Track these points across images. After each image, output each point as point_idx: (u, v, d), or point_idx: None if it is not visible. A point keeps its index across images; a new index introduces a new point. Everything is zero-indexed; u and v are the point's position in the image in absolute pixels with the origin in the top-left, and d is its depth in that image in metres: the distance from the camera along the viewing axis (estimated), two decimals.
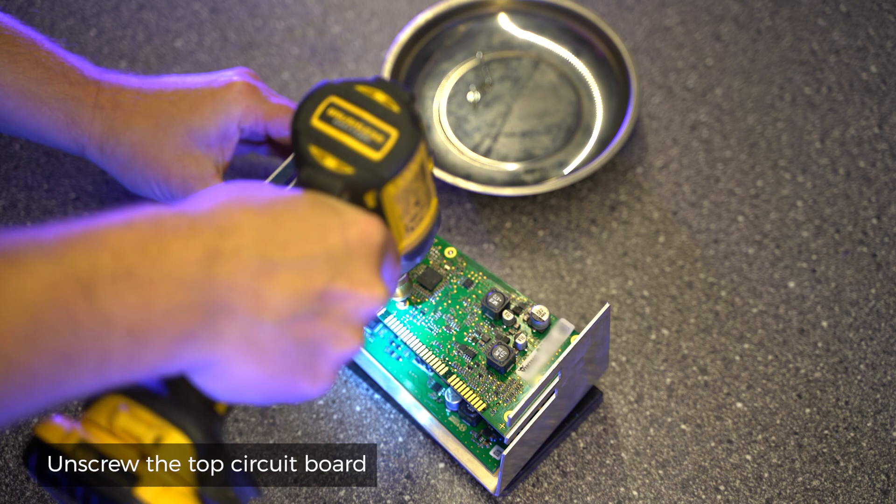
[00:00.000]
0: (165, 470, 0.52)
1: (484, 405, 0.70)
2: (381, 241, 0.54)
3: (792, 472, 0.75)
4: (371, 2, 0.96)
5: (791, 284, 0.82)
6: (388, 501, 0.74)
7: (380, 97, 0.56)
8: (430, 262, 0.75)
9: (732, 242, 0.84)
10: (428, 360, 0.72)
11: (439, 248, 0.76)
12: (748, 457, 0.76)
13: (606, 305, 0.68)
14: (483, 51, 0.92)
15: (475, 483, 0.75)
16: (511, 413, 0.68)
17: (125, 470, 0.52)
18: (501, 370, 0.71)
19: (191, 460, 0.53)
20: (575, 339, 0.68)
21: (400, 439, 0.76)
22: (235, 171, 0.85)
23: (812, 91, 0.91)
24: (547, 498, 0.74)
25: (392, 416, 0.77)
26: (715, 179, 0.87)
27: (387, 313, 0.74)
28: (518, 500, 0.74)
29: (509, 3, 0.93)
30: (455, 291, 0.75)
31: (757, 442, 0.76)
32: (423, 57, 0.92)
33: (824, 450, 0.76)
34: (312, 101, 0.57)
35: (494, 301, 0.73)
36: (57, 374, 0.46)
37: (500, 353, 0.71)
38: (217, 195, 0.52)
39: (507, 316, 0.73)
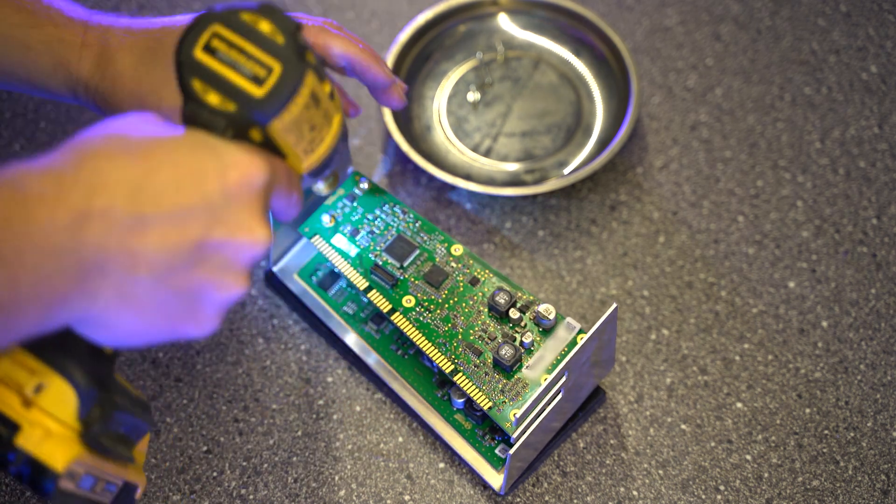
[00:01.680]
0: (47, 417, 0.52)
1: (490, 403, 0.70)
2: (264, 182, 0.53)
3: (792, 472, 0.75)
4: (371, 2, 0.96)
5: (791, 284, 0.82)
6: (388, 501, 0.74)
7: (264, 27, 0.54)
8: (437, 260, 0.75)
9: (732, 242, 0.84)
10: (434, 358, 0.72)
11: (445, 245, 0.76)
12: (748, 457, 0.76)
13: (613, 306, 0.68)
14: (499, 48, 0.92)
15: (475, 483, 0.75)
16: (518, 412, 0.68)
17: (6, 418, 0.51)
18: (508, 368, 0.71)
19: (74, 406, 0.52)
20: (582, 339, 0.68)
21: (400, 439, 0.76)
22: None
23: (812, 91, 0.91)
24: (547, 498, 0.74)
25: (392, 416, 0.77)
26: (715, 179, 0.87)
27: (393, 310, 0.74)
28: (518, 500, 0.74)
29: (509, 3, 0.93)
30: (461, 289, 0.75)
31: (757, 442, 0.76)
32: (423, 57, 0.92)
33: (824, 450, 0.76)
34: (195, 30, 0.54)
35: (501, 299, 0.73)
36: None
37: (506, 351, 0.71)
38: (88, 145, 0.51)
39: (514, 314, 0.73)
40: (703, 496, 0.74)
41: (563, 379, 0.69)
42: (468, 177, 0.85)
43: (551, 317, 0.72)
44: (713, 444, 0.76)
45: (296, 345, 0.80)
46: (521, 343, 0.72)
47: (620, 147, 0.85)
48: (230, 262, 0.52)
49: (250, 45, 0.53)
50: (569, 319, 0.73)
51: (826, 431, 0.76)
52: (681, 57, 0.93)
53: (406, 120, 0.89)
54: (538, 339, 0.72)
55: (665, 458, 0.76)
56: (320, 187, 0.66)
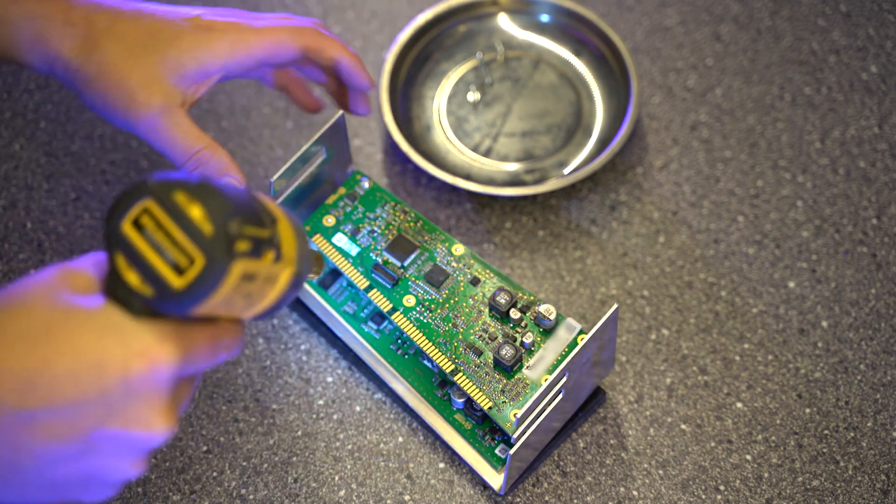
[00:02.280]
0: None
1: (490, 403, 0.70)
2: (171, 370, 0.50)
3: (792, 472, 0.75)
4: (371, 2, 0.96)
5: (791, 284, 0.82)
6: (388, 501, 0.74)
7: (195, 212, 0.50)
8: (438, 260, 0.75)
9: (732, 242, 0.84)
10: (434, 358, 0.72)
11: (446, 244, 0.76)
12: (748, 457, 0.76)
13: (614, 306, 0.68)
14: (499, 48, 0.92)
15: (476, 483, 0.75)
16: (518, 412, 0.68)
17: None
18: (508, 369, 0.71)
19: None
20: (582, 339, 0.68)
21: (400, 439, 0.76)
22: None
23: (812, 91, 0.91)
24: (547, 498, 0.74)
25: (392, 416, 0.77)
26: (715, 179, 0.87)
27: (393, 310, 0.74)
28: (518, 500, 0.74)
29: (509, 3, 0.93)
30: (462, 289, 0.75)
31: (757, 442, 0.76)
32: (423, 57, 0.91)
33: (824, 450, 0.76)
34: (126, 201, 0.50)
35: (502, 299, 0.73)
36: None
37: (506, 351, 0.71)
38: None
39: (515, 314, 0.73)
40: (703, 496, 0.74)
41: (564, 379, 0.69)
42: (468, 177, 0.85)
43: (552, 317, 0.72)
44: (713, 444, 0.76)
45: (296, 345, 0.80)
46: (522, 343, 0.72)
47: (620, 147, 0.85)
48: (123, 450, 0.50)
49: (177, 230, 0.50)
50: (569, 320, 0.73)
51: (826, 431, 0.76)
52: (681, 57, 0.93)
53: (406, 120, 0.89)
54: (539, 339, 0.72)
55: (665, 458, 0.76)
56: (310, 276, 0.64)
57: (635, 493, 0.74)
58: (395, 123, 0.86)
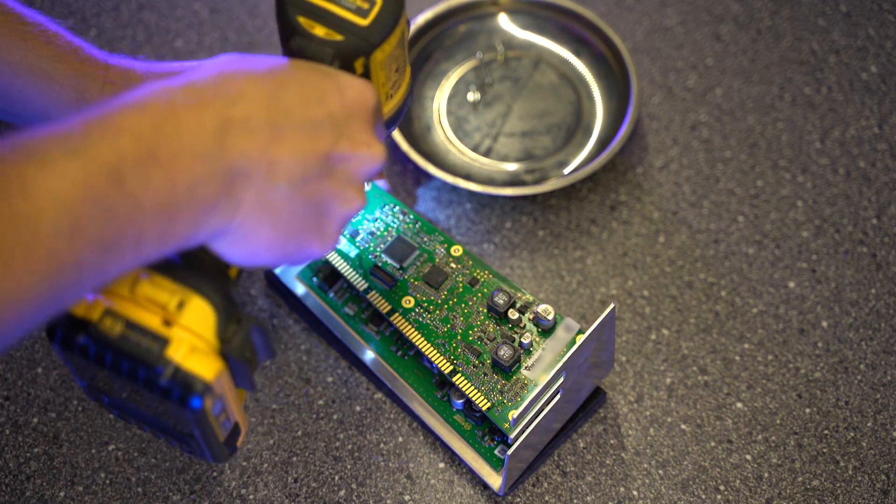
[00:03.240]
0: (190, 333, 0.54)
1: (489, 404, 0.70)
2: (375, 103, 0.57)
3: (792, 472, 0.75)
4: None
5: (791, 284, 0.82)
6: (388, 501, 0.74)
7: None
8: (437, 261, 0.75)
9: (732, 242, 0.84)
10: (433, 359, 0.72)
11: (445, 246, 0.76)
12: (748, 457, 0.76)
13: (611, 306, 0.68)
14: (499, 48, 0.92)
15: (475, 483, 0.75)
16: (515, 413, 0.68)
17: (154, 333, 0.54)
18: (506, 369, 0.71)
19: (213, 322, 0.55)
20: (581, 339, 0.68)
21: (400, 439, 0.76)
22: None
23: (812, 91, 0.91)
24: (547, 498, 0.74)
25: (392, 416, 0.77)
26: (715, 179, 0.87)
27: (392, 311, 0.74)
28: (518, 500, 0.74)
29: (509, 3, 0.93)
30: (461, 290, 0.75)
31: (757, 442, 0.76)
32: (423, 57, 0.92)
33: (824, 450, 0.76)
34: None
35: (500, 300, 0.73)
36: (100, 262, 0.49)
37: (505, 352, 0.71)
38: (219, 65, 0.54)
39: (513, 315, 0.73)
40: (703, 496, 0.74)
41: (562, 380, 0.69)
42: (468, 177, 0.85)
43: (550, 317, 0.72)
44: (713, 444, 0.76)
45: (296, 345, 0.80)
46: (520, 343, 0.72)
47: (620, 147, 0.85)
48: (352, 174, 0.57)
49: None
50: (568, 320, 0.73)
51: (826, 431, 0.76)
52: (681, 57, 0.93)
53: (406, 120, 0.89)
54: (537, 339, 0.72)
55: (665, 458, 0.76)
56: None
57: (635, 493, 0.74)
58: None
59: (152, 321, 0.54)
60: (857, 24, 0.94)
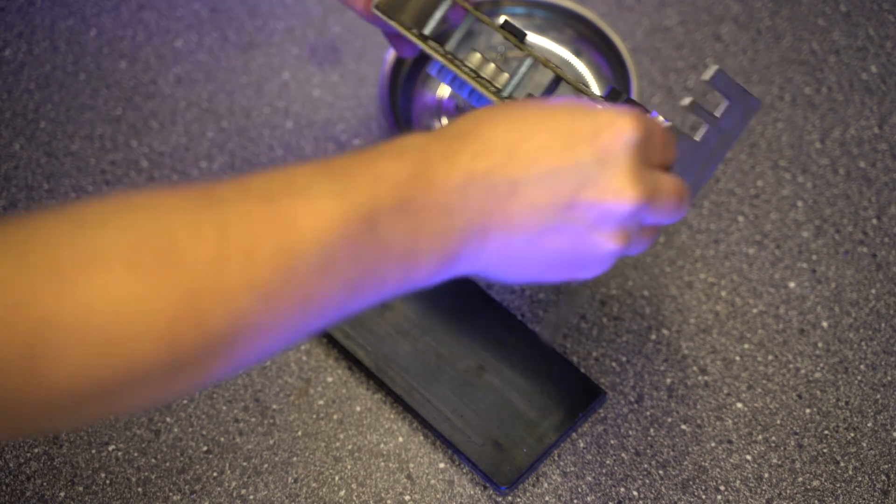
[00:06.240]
0: None
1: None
2: (636, 139, 0.54)
3: (792, 472, 0.75)
4: None
5: (791, 284, 0.82)
6: (388, 501, 0.74)
7: None
8: None
9: (732, 242, 0.84)
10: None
11: None
12: (748, 457, 0.76)
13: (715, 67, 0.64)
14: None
15: (476, 483, 0.75)
16: None
17: None
18: None
19: None
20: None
21: (400, 439, 0.76)
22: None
23: (812, 91, 0.91)
24: (547, 498, 0.74)
25: (392, 416, 0.77)
26: (715, 179, 0.87)
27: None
28: (518, 500, 0.74)
29: (509, 3, 0.93)
30: None
31: (757, 442, 0.76)
32: (423, 57, 0.91)
33: (824, 450, 0.76)
34: None
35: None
36: (343, 300, 0.51)
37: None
38: (483, 114, 0.55)
39: None
40: (703, 496, 0.74)
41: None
42: None
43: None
44: (713, 444, 0.76)
45: (296, 344, 0.80)
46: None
47: None
48: (599, 222, 0.54)
49: None
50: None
51: (826, 432, 0.76)
52: (681, 57, 0.93)
53: (406, 120, 0.89)
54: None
55: (665, 458, 0.76)
56: None
57: (635, 493, 0.74)
58: (395, 123, 0.86)
59: None
60: (857, 24, 0.94)
